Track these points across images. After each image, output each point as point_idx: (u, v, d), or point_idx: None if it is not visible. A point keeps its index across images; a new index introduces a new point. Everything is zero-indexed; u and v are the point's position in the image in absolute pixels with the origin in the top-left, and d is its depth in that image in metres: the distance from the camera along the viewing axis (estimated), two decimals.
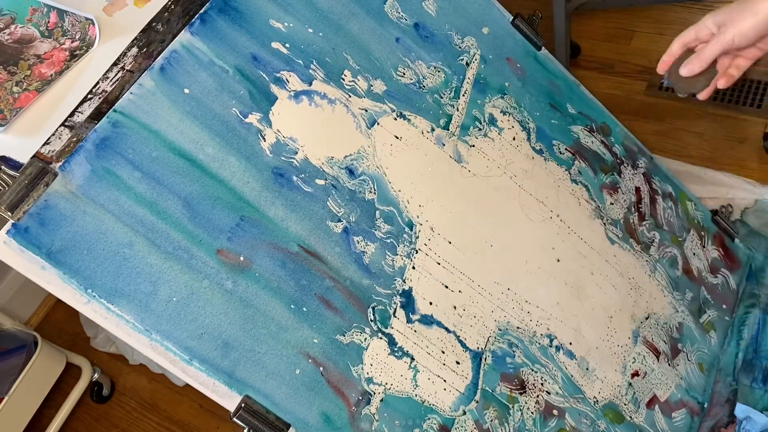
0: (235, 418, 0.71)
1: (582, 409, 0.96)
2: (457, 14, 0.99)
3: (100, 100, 0.70)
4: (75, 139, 0.68)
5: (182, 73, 0.75)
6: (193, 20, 0.77)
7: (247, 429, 0.71)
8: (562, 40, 1.63)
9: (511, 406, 0.89)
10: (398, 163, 0.88)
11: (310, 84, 0.83)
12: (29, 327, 1.59)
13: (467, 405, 0.86)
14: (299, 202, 0.79)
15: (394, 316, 0.83)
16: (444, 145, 0.93)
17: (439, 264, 0.88)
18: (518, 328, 0.93)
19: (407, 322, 0.84)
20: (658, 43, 1.73)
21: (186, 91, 0.75)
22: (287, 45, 0.83)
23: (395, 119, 0.89)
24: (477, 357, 0.88)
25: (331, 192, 0.82)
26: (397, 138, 0.89)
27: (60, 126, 0.69)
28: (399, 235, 0.86)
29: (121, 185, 0.69)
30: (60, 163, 0.67)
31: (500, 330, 0.91)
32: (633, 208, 1.11)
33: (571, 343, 0.97)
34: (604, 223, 1.07)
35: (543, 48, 1.07)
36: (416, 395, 0.82)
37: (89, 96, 0.71)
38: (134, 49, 0.74)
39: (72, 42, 0.79)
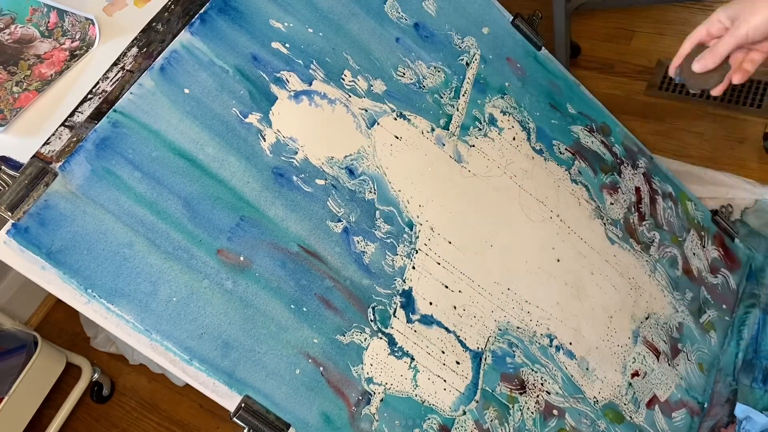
0: (235, 418, 0.71)
1: (582, 409, 0.96)
2: (457, 14, 0.99)
3: (100, 100, 0.71)
4: (75, 139, 0.68)
5: (182, 73, 0.75)
6: (193, 20, 0.77)
7: (247, 429, 0.71)
8: (562, 40, 1.63)
9: (511, 406, 0.89)
10: (398, 163, 0.88)
11: (310, 84, 0.83)
12: (29, 327, 1.59)
13: (467, 405, 0.86)
14: (299, 202, 0.79)
15: (394, 316, 0.83)
16: (444, 145, 0.93)
17: (439, 264, 0.88)
18: (518, 328, 0.93)
19: (407, 322, 0.84)
20: (658, 43, 1.73)
21: (186, 91, 0.75)
22: (287, 45, 0.83)
23: (395, 119, 0.89)
24: (477, 357, 0.88)
25: (331, 192, 0.82)
26: (397, 138, 0.89)
27: (60, 126, 0.69)
28: (399, 235, 0.86)
29: (121, 185, 0.69)
30: (60, 163, 0.67)
31: (500, 330, 0.91)
32: (633, 208, 1.11)
33: (571, 343, 0.97)
34: (604, 223, 1.07)
35: (543, 48, 1.07)
36: (416, 395, 0.82)
37: (89, 96, 0.71)
38: (134, 49, 0.74)
39: (72, 42, 0.79)
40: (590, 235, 1.04)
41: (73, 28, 0.80)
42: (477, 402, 0.87)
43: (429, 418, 0.83)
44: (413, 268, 0.86)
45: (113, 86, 0.71)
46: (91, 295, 0.67)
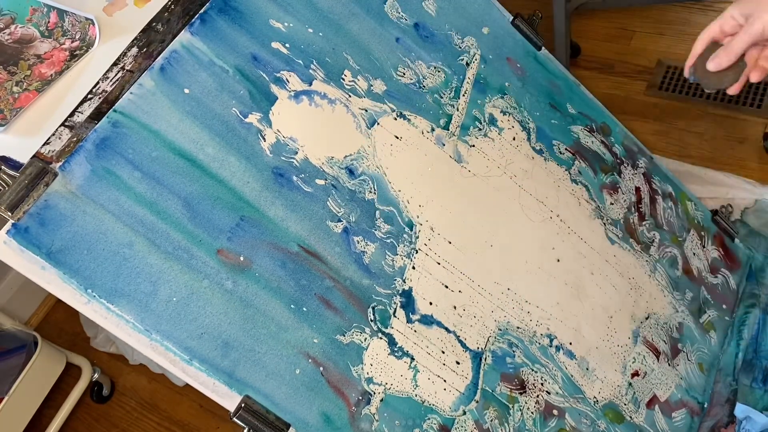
0: (235, 418, 0.71)
1: (582, 409, 0.96)
2: (457, 14, 0.99)
3: (100, 100, 0.71)
4: (75, 139, 0.68)
5: (182, 73, 0.75)
6: (193, 20, 0.77)
7: (247, 429, 0.71)
8: (562, 40, 1.63)
9: (511, 406, 0.89)
10: (398, 163, 0.88)
11: (310, 84, 0.83)
12: (29, 327, 1.59)
13: (467, 405, 0.86)
14: (299, 202, 0.79)
15: (394, 316, 0.83)
16: (444, 145, 0.93)
17: (439, 264, 0.88)
18: (518, 328, 0.93)
19: (407, 322, 0.84)
20: (658, 43, 1.73)
21: (186, 91, 0.75)
22: (287, 45, 0.83)
23: (395, 119, 0.89)
24: (477, 357, 0.88)
25: (331, 192, 0.82)
26: (397, 138, 0.89)
27: (60, 126, 0.69)
28: (399, 235, 0.86)
29: (121, 185, 0.69)
30: (60, 163, 0.67)
31: (500, 330, 0.91)
32: (633, 208, 1.11)
33: (571, 343, 0.97)
34: (604, 223, 1.07)
35: (543, 48, 1.07)
36: (416, 395, 0.82)
37: (89, 96, 0.71)
38: (134, 49, 0.74)
39: (72, 42, 0.79)
40: (590, 235, 1.04)
41: (73, 28, 0.80)
42: (477, 402, 0.87)
43: (429, 418, 0.83)
44: (413, 268, 0.86)
45: (113, 86, 0.71)
46: (91, 295, 0.67)
